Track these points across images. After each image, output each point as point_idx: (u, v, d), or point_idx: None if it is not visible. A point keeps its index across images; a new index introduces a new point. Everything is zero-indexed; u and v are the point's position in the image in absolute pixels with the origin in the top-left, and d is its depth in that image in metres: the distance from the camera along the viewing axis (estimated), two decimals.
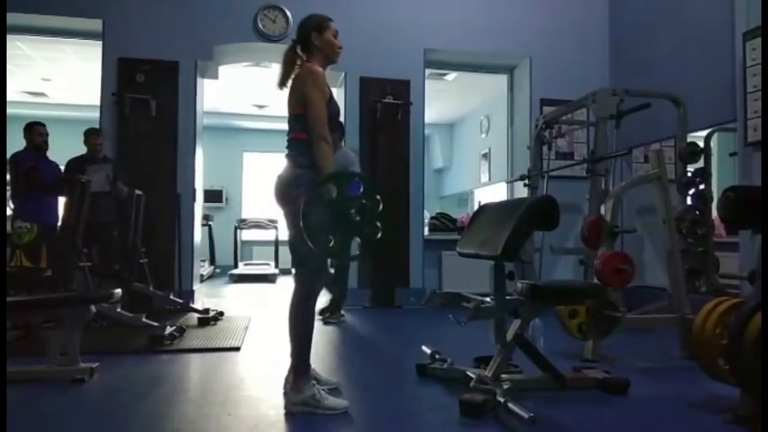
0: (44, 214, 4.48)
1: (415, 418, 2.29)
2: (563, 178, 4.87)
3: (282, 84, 2.34)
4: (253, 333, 4.09)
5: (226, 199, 10.47)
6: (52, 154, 4.75)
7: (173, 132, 5.26)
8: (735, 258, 4.03)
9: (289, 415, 2.20)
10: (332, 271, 4.48)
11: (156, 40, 5.25)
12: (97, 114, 5.21)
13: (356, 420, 2.19)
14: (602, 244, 3.10)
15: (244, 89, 8.22)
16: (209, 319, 4.41)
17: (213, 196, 9.83)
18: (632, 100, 3.63)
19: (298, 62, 2.34)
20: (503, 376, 2.38)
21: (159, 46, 5.24)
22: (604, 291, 2.87)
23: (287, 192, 2.22)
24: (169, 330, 3.65)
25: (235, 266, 9.28)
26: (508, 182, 6.16)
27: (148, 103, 5.15)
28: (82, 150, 4.77)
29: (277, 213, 2.35)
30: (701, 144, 3.94)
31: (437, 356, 2.83)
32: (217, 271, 9.60)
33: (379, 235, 2.14)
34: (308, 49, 2.34)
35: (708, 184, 3.86)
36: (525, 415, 1.96)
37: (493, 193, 7.65)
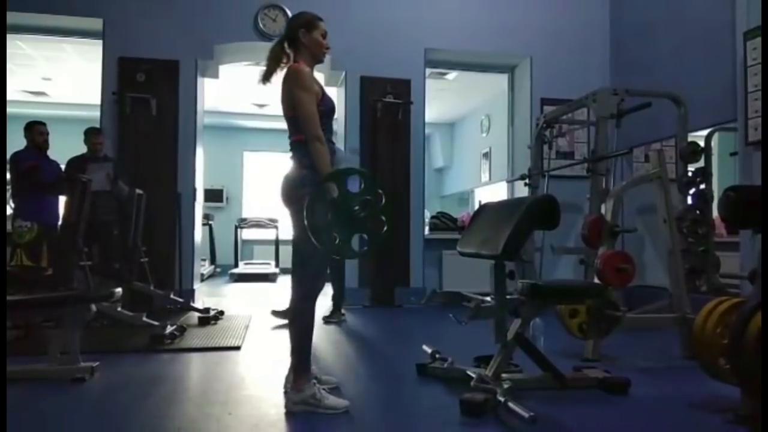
0: (45, 213, 4.49)
1: (415, 417, 2.29)
2: (564, 177, 4.86)
3: (265, 79, 2.33)
4: (253, 332, 4.10)
5: (227, 198, 10.47)
6: (52, 154, 4.75)
7: (174, 131, 5.26)
8: (736, 258, 4.03)
9: (290, 414, 2.21)
10: (329, 271, 4.47)
11: (156, 39, 5.25)
12: (97, 113, 5.22)
13: (357, 419, 2.19)
14: (603, 244, 3.10)
15: (245, 88, 8.21)
16: (210, 318, 4.41)
17: (213, 195, 9.83)
18: (633, 100, 3.63)
19: (284, 60, 2.33)
20: (504, 375, 2.38)
21: (159, 46, 5.25)
22: (604, 290, 2.86)
23: (293, 192, 2.22)
24: (169, 329, 3.65)
25: (236, 265, 9.29)
26: (508, 181, 6.16)
27: (149, 103, 5.16)
28: (83, 149, 4.77)
29: (278, 212, 2.35)
30: (702, 143, 3.93)
31: (438, 355, 2.83)
32: (218, 270, 9.61)
33: (385, 229, 2.14)
34: (296, 47, 2.32)
35: (708, 183, 3.85)
36: (525, 414, 1.96)
37: (494, 192, 7.66)
